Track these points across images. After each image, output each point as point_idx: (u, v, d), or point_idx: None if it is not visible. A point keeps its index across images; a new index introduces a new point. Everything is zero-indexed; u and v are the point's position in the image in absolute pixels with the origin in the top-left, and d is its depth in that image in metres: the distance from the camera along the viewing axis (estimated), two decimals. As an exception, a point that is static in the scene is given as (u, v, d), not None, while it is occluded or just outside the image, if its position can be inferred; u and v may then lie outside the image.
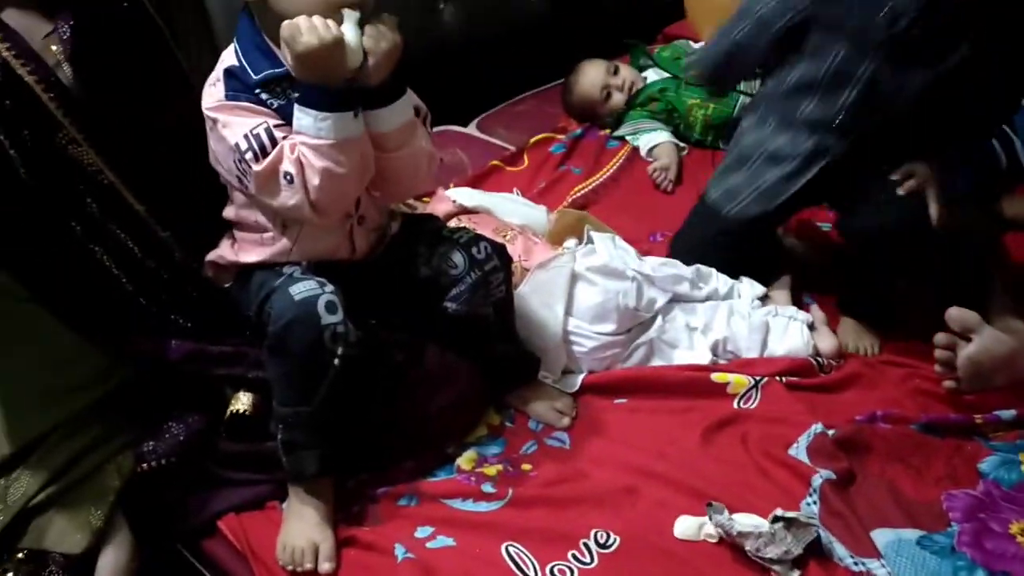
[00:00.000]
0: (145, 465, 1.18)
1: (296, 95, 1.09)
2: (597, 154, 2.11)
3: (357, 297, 1.18)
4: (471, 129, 2.28)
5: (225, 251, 1.25)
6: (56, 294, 1.19)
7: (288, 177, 1.10)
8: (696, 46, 2.25)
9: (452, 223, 1.54)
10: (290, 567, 1.09)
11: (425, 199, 1.79)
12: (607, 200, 1.96)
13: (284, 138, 1.10)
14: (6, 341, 1.21)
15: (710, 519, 1.12)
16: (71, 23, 1.12)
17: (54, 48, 1.12)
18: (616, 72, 2.20)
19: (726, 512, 1.15)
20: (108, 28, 1.18)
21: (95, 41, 1.14)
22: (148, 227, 1.22)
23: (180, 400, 1.24)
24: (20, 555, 1.15)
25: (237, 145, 1.10)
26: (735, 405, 1.37)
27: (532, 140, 2.16)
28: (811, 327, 1.50)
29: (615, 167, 2.07)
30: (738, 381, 1.39)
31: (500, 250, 1.31)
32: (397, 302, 1.32)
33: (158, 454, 1.18)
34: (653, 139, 2.09)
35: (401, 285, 1.31)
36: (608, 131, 2.18)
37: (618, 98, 2.17)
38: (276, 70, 1.12)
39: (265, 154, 1.09)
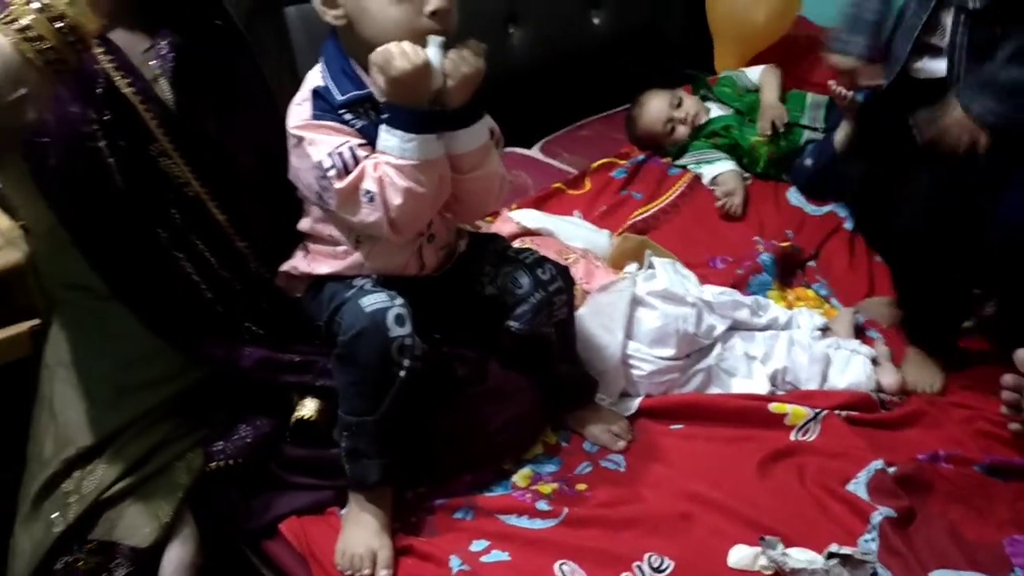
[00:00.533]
0: (213, 464, 1.22)
1: (383, 116, 1.14)
2: (659, 180, 2.13)
3: (423, 312, 1.21)
4: (534, 152, 2.31)
5: (298, 262, 1.28)
6: (138, 296, 1.24)
7: (369, 195, 1.14)
8: (746, 74, 2.26)
9: (516, 243, 1.57)
10: (348, 572, 1.12)
11: (489, 219, 1.82)
12: (667, 226, 1.97)
13: (366, 157, 1.14)
14: (87, 337, 1.27)
15: (763, 553, 1.12)
16: (169, 40, 1.18)
17: (152, 64, 1.17)
18: (679, 104, 2.20)
19: (780, 546, 1.14)
20: (202, 46, 1.23)
21: (190, 58, 1.19)
22: (227, 238, 1.25)
23: (249, 404, 1.28)
24: (90, 545, 1.19)
25: (321, 163, 1.15)
26: (792, 437, 1.36)
27: (594, 165, 2.18)
28: (874, 361, 1.49)
29: (676, 193, 2.08)
30: (796, 412, 1.38)
31: (564, 272, 1.33)
32: (462, 318, 1.35)
33: (227, 454, 1.22)
34: (717, 168, 2.09)
35: (466, 302, 1.34)
36: (670, 159, 2.20)
37: (682, 131, 2.18)
38: (360, 92, 1.17)
39: (348, 172, 1.14)
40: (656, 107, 2.20)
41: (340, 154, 1.14)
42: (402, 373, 1.14)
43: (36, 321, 1.33)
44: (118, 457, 1.22)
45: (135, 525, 1.20)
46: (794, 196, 2.05)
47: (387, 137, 1.13)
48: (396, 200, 1.13)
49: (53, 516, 1.20)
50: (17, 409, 1.28)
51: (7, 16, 0.95)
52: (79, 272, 1.21)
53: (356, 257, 1.24)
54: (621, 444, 1.36)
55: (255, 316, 1.29)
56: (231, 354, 1.26)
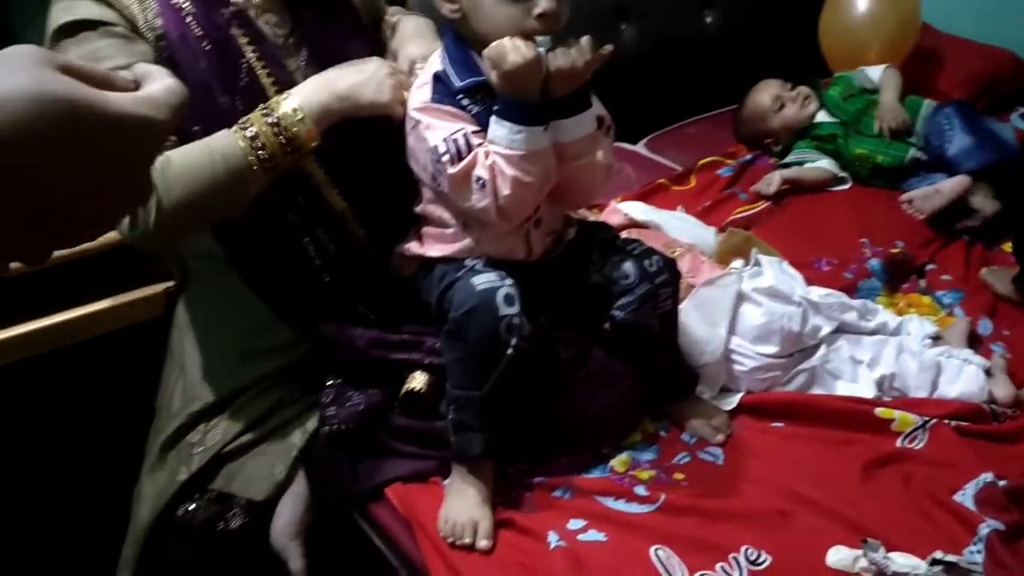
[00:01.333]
0: (326, 429, 1.28)
1: (496, 107, 1.18)
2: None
3: (529, 296, 1.24)
4: (640, 148, 2.31)
5: (412, 244, 1.32)
6: (261, 274, 1.31)
7: (480, 182, 1.18)
8: (866, 72, 2.20)
9: (623, 235, 1.58)
10: (450, 539, 1.15)
11: (596, 210, 1.84)
12: (772, 224, 1.95)
13: (479, 145, 1.18)
14: (217, 304, 1.35)
15: (864, 555, 1.10)
16: (304, 27, 1.25)
17: (292, 57, 1.24)
18: (792, 88, 2.18)
19: (882, 550, 1.12)
20: (332, 35, 1.29)
21: (324, 52, 1.26)
22: (346, 224, 1.31)
23: (361, 375, 1.33)
24: (210, 495, 1.27)
25: (436, 147, 1.19)
26: (899, 443, 1.33)
27: (701, 162, 2.17)
28: (988, 373, 1.44)
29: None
30: (904, 419, 1.35)
31: (670, 264, 1.34)
32: (567, 305, 1.37)
33: (339, 419, 1.27)
34: (819, 166, 2.06)
35: (572, 289, 1.36)
36: (775, 160, 2.17)
37: (790, 111, 2.15)
38: (477, 79, 1.20)
39: (461, 158, 1.18)
40: (767, 88, 2.19)
41: (455, 140, 1.18)
42: (509, 351, 1.17)
43: (170, 283, 1.42)
44: (239, 414, 1.29)
45: (252, 480, 1.27)
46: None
47: (497, 128, 1.17)
48: (505, 189, 1.17)
49: (178, 466, 1.28)
50: (150, 364, 1.37)
51: (245, 122, 1.16)
52: (210, 245, 1.29)
53: (466, 241, 1.27)
54: (720, 437, 1.36)
55: (367, 299, 1.35)
56: (344, 333, 1.31)
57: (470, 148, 1.18)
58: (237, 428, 1.28)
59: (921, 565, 1.10)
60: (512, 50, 1.12)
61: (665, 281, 1.31)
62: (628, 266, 1.30)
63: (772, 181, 2.02)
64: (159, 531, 1.27)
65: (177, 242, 1.31)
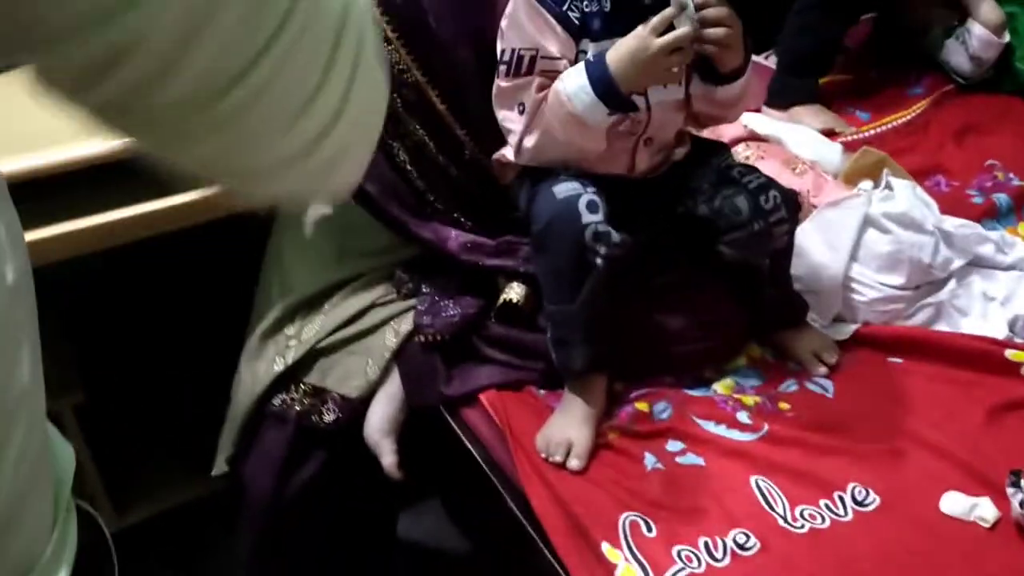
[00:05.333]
0: (421, 337, 1.25)
1: (592, 58, 1.10)
2: (894, 102, 1.94)
3: (628, 216, 1.17)
4: (767, 60, 2.16)
5: (508, 150, 1.27)
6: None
7: (521, 107, 1.14)
8: None
9: (741, 148, 1.48)
10: (544, 455, 1.13)
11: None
12: (891, 146, 1.78)
13: (541, 74, 1.13)
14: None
15: (1010, 486, 1.02)
16: None
17: None
18: None
19: None
20: None
21: None
22: (446, 124, 1.26)
23: (456, 282, 1.30)
24: (304, 388, 1.28)
25: (503, 51, 1.14)
26: (1030, 389, 1.24)
27: (823, 80, 2.02)
28: None
29: (910, 115, 1.89)
30: (1037, 363, 1.25)
31: (789, 200, 1.23)
32: (670, 232, 1.29)
33: (434, 328, 1.25)
34: None
35: (677, 216, 1.28)
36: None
37: None
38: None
39: (518, 74, 1.13)
40: None
41: (521, 56, 1.12)
42: (599, 261, 1.11)
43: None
44: (336, 310, 1.29)
45: (345, 376, 1.27)
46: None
47: (575, 75, 1.10)
48: (537, 129, 1.14)
49: (274, 356, 1.29)
50: (250, 258, 1.37)
51: None
52: None
53: None
54: (823, 370, 1.28)
55: (464, 206, 1.30)
56: (439, 235, 1.28)
57: (531, 71, 1.13)
58: (333, 323, 1.28)
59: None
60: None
61: (781, 219, 1.21)
62: (741, 201, 1.20)
63: None
64: (256, 419, 1.29)
65: None
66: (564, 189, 1.13)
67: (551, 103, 1.11)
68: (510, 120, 1.17)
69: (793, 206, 1.24)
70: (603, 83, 1.08)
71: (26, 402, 0.50)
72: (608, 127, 1.13)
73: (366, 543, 1.47)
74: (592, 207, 1.11)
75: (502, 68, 1.15)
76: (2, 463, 0.48)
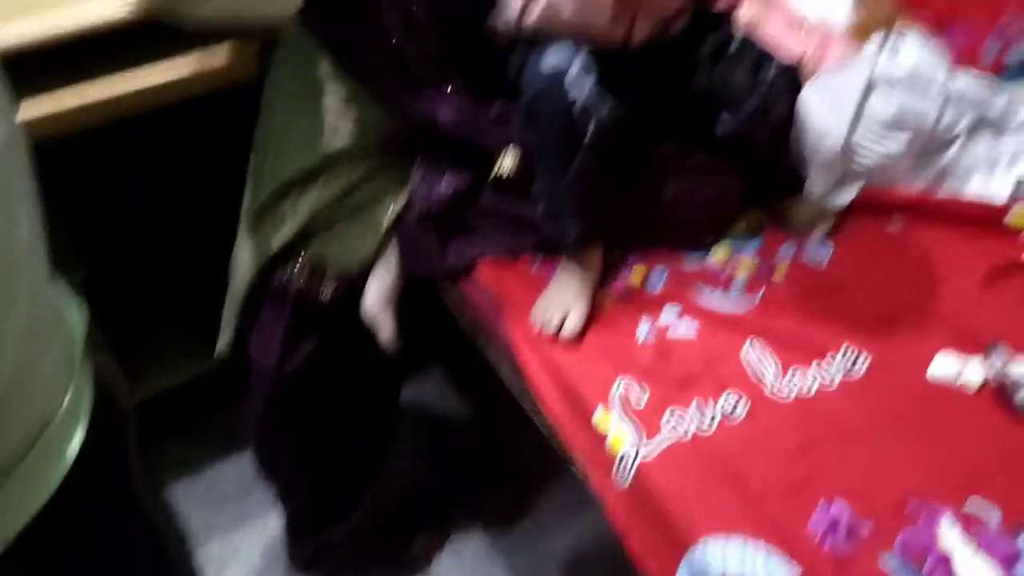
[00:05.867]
0: (416, 210, 1.25)
1: None
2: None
3: (623, 85, 1.12)
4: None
5: (507, 16, 1.22)
6: (344, 49, 1.23)
7: None
8: None
9: (744, 8, 1.41)
10: (539, 326, 1.14)
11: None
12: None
13: None
14: (309, 72, 1.29)
15: (985, 358, 1.04)
16: None
17: None
18: None
19: (1006, 357, 1.05)
20: None
21: None
22: None
23: (449, 153, 1.28)
24: (303, 262, 1.28)
25: None
26: (1029, 253, 1.23)
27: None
28: None
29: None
30: (1038, 227, 1.24)
31: (790, 74, 1.19)
32: (666, 103, 1.26)
33: (428, 200, 1.24)
34: None
35: (672, 89, 1.23)
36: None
37: None
38: None
39: None
40: None
41: None
42: (588, 134, 1.08)
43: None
44: (331, 181, 1.27)
45: (343, 251, 1.27)
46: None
47: None
48: None
49: (271, 232, 1.28)
50: (241, 132, 1.34)
51: None
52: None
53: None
54: (819, 233, 1.28)
55: (455, 76, 1.26)
56: (431, 106, 1.24)
57: None
58: (329, 194, 1.26)
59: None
60: None
61: (779, 92, 1.18)
62: (740, 76, 1.16)
63: None
64: (256, 297, 1.30)
65: None
66: (552, 63, 1.08)
67: None
68: None
69: (795, 81, 1.21)
70: None
71: (28, 259, 0.51)
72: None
73: (370, 412, 1.51)
74: (579, 81, 1.07)
75: None
76: (9, 316, 0.49)
